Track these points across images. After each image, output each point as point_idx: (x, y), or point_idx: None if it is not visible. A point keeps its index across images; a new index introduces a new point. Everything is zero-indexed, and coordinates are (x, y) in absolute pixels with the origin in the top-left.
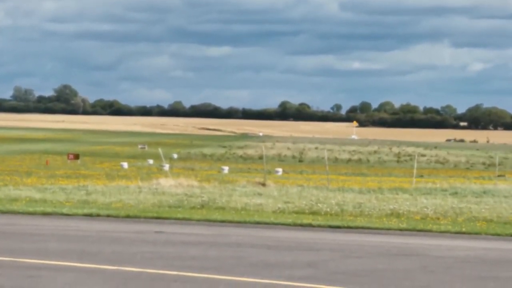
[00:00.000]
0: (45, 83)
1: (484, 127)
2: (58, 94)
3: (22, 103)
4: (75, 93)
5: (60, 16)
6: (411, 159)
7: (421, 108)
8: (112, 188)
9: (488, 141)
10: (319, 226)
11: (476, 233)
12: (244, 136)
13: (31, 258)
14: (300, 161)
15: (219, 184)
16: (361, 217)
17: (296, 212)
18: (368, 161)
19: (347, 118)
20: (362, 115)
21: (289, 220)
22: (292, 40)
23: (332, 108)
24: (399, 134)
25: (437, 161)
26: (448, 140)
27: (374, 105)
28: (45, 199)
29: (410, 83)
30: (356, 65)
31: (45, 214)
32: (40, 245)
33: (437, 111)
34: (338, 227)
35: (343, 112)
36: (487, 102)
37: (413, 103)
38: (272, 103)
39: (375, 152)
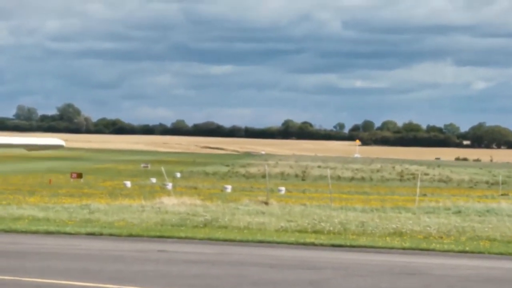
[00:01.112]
0: (48, 102)
1: (487, 146)
2: (61, 113)
3: (25, 122)
4: (78, 112)
5: (63, 35)
6: (414, 178)
7: (424, 126)
8: (115, 207)
9: (491, 160)
10: (322, 245)
11: (480, 252)
12: (247, 155)
13: (34, 277)
14: (303, 179)
15: (222, 203)
16: (364, 236)
17: (299, 231)
18: (371, 179)
19: (349, 137)
20: (364, 133)
21: (292, 239)
22: (295, 58)
23: (335, 126)
24: (402, 152)
25: (440, 180)
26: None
27: (377, 124)
28: (48, 218)
29: (413, 102)
30: (359, 83)
31: (48, 233)
32: (43, 264)
33: (440, 130)
34: (341, 246)
35: (346, 130)
36: (490, 121)
37: (416, 121)
38: (275, 121)
39: (378, 170)
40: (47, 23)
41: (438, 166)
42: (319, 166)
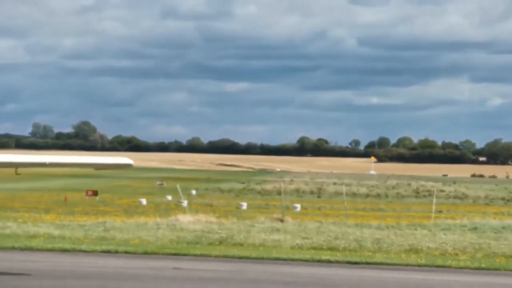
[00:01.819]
0: (64, 120)
1: (503, 162)
2: (77, 131)
3: (41, 140)
4: (93, 130)
5: (79, 53)
6: (429, 195)
7: (439, 143)
8: (130, 224)
9: (507, 176)
10: (337, 262)
11: (496, 269)
12: (262, 172)
13: None
14: (319, 196)
15: (237, 220)
16: (380, 253)
17: (314, 248)
18: (387, 196)
19: (365, 154)
20: (380, 150)
21: (307, 256)
22: (310, 75)
23: (350, 143)
24: (418, 169)
25: (456, 197)
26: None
27: (393, 141)
28: (64, 235)
29: (428, 118)
30: (374, 100)
31: (63, 250)
32: (59, 282)
33: (455, 146)
34: (357, 263)
35: (361, 147)
36: (506, 137)
37: (431, 138)
38: (290, 138)
39: (393, 187)
40: (64, 42)
41: (454, 182)
42: (334, 183)
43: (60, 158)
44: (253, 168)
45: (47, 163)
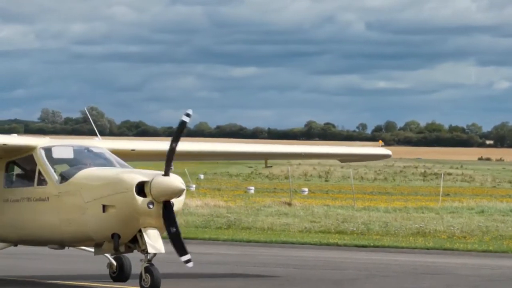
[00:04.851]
0: (72, 105)
1: (510, 145)
2: (85, 116)
3: (50, 125)
4: (101, 115)
5: (88, 38)
6: (437, 178)
7: (446, 126)
8: None
9: None
10: (345, 245)
11: (503, 252)
12: None
13: (58, 279)
14: (326, 180)
15: (245, 204)
16: (387, 236)
17: (322, 232)
18: (394, 180)
19: (372, 138)
20: (387, 134)
21: (315, 240)
22: (317, 60)
23: (357, 127)
24: (425, 153)
25: (463, 180)
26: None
27: (400, 124)
28: None
29: (435, 102)
30: (382, 84)
31: None
32: (67, 267)
33: (462, 130)
34: (364, 246)
35: (368, 131)
36: None
37: (438, 121)
38: (297, 123)
39: (400, 171)
40: (72, 27)
41: (461, 166)
42: (342, 167)
43: (313, 148)
44: None
45: (303, 153)
